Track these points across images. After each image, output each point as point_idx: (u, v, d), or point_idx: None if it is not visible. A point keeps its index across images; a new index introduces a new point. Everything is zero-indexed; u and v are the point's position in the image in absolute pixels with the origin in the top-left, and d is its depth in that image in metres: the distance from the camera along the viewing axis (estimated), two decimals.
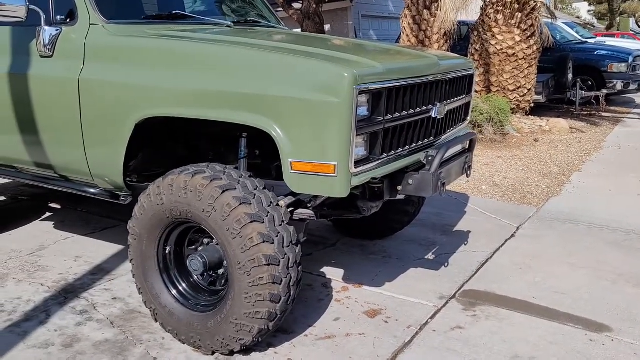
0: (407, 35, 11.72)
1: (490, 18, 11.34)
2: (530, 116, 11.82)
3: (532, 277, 4.55)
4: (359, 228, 5.22)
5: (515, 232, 5.59)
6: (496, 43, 11.27)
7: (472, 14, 13.32)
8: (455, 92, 4.10)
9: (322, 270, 4.63)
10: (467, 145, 4.11)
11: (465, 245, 5.21)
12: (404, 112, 3.35)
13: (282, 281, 3.10)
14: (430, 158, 3.49)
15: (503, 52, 11.25)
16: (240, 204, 3.05)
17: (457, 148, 3.93)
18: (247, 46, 3.30)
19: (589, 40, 16.82)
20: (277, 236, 3.10)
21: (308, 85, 2.91)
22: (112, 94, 3.36)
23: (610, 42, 18.42)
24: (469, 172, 4.06)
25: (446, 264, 4.78)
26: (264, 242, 3.04)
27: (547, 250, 5.13)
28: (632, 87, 14.47)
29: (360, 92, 2.91)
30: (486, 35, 11.39)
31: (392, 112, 3.21)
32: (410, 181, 3.50)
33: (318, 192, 3.09)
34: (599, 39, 19.61)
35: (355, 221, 4.94)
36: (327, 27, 16.89)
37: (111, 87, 3.36)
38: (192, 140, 4.01)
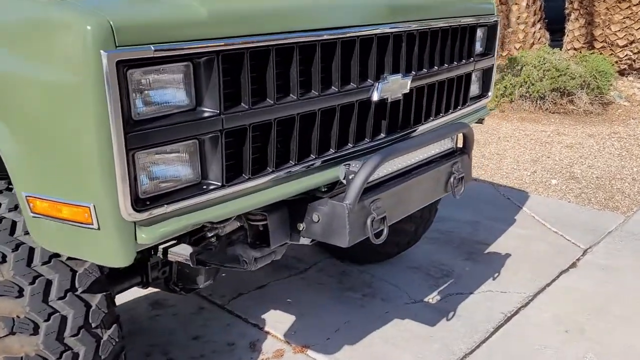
0: None
1: None
2: None
3: (581, 354, 2.84)
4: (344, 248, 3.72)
5: (579, 259, 3.81)
6: None
7: None
8: (442, 55, 2.46)
9: (263, 316, 3.24)
10: (455, 145, 2.48)
11: (493, 279, 3.55)
12: (291, 97, 1.83)
13: None
14: (351, 177, 1.94)
15: None
16: None
17: (430, 150, 2.31)
18: None
19: None
20: (47, 319, 1.76)
21: (36, 48, 1.49)
22: None
23: None
24: (457, 188, 2.43)
25: (451, 315, 3.18)
26: (11, 334, 1.72)
27: (622, 297, 3.33)
28: None
29: (135, 63, 1.44)
30: None
31: (249, 99, 1.70)
32: (316, 217, 1.99)
33: (79, 255, 1.69)
34: None
35: None
36: None
37: None
38: None
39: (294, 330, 3.10)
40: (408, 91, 2.23)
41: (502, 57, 9.28)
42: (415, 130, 2.39)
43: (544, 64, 7.55)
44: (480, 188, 5.14)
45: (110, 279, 2.44)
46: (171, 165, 1.61)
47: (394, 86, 2.15)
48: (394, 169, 2.12)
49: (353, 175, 1.92)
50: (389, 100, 2.16)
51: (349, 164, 1.96)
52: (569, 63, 7.57)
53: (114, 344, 1.94)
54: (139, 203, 1.52)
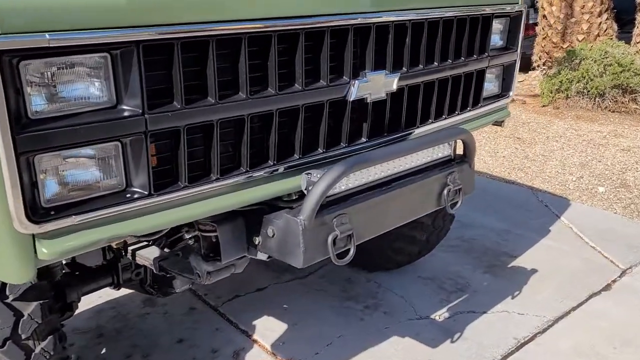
0: None
1: None
2: None
3: None
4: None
5: (615, 280, 3.40)
6: None
7: None
8: (444, 50, 2.16)
9: (255, 322, 3.04)
10: (454, 152, 2.17)
11: (512, 298, 3.22)
12: (240, 95, 1.59)
13: None
14: (311, 187, 1.69)
15: None
16: None
17: (419, 158, 2.02)
18: None
19: None
20: None
21: None
22: None
23: None
24: (454, 202, 2.13)
25: (457, 336, 2.89)
26: None
27: None
28: None
29: (31, 53, 1.25)
30: None
31: (181, 97, 1.48)
32: (271, 231, 1.76)
33: None
34: None
35: None
36: None
37: None
38: None
39: (283, 340, 2.89)
40: (395, 90, 1.95)
41: (563, 49, 8.66)
42: (408, 135, 2.11)
43: (606, 57, 6.95)
44: (516, 192, 4.74)
45: (72, 280, 2.32)
46: (86, 170, 1.42)
47: (376, 85, 1.88)
48: (369, 179, 1.85)
49: (312, 186, 1.68)
50: (369, 101, 1.89)
51: (311, 173, 1.72)
52: (634, 58, 6.93)
53: (47, 357, 1.79)
54: (39, 213, 1.33)
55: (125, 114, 1.41)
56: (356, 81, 1.83)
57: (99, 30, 1.32)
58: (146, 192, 1.49)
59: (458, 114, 2.35)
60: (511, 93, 2.67)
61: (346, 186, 1.78)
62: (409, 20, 1.95)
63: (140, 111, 1.41)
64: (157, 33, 1.39)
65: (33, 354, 1.76)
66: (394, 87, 1.95)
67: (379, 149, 1.87)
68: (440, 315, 3.08)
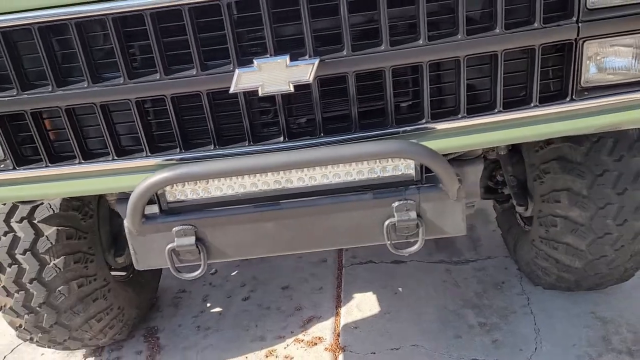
0: None
1: None
2: None
3: None
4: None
5: None
6: None
7: None
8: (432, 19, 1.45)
9: (357, 294, 2.85)
10: (420, 173, 1.49)
11: None
12: (82, 85, 1.51)
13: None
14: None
15: None
16: None
17: (339, 173, 1.49)
18: None
19: None
20: (4, 235, 2.18)
21: None
22: None
23: None
24: (406, 240, 1.51)
25: None
26: None
27: None
28: None
29: None
30: None
31: (16, 83, 1.52)
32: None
33: None
34: None
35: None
36: None
37: None
38: None
39: (358, 325, 2.64)
40: (310, 81, 1.46)
41: None
42: (366, 137, 1.55)
43: None
44: None
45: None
46: None
47: (272, 74, 1.45)
48: (243, 190, 1.51)
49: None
50: (262, 94, 1.47)
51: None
52: None
53: (57, 272, 2.20)
54: None
55: None
56: (237, 70, 1.45)
57: None
58: (10, 167, 1.65)
59: (501, 112, 1.55)
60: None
61: (204, 194, 1.51)
62: None
63: None
64: None
65: (46, 266, 2.20)
66: (310, 77, 1.45)
67: (254, 157, 1.47)
68: None
